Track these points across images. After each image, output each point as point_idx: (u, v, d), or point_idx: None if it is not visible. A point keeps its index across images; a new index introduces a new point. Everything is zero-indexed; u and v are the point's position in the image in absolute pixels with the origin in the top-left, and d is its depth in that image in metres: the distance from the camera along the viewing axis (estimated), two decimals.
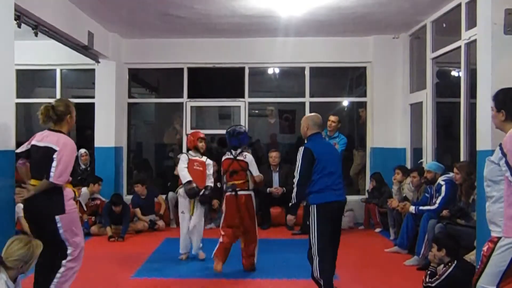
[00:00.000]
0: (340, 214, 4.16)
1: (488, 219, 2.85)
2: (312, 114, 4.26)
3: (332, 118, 6.85)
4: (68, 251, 3.56)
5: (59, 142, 3.54)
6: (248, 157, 4.98)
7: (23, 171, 3.79)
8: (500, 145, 2.73)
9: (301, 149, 3.94)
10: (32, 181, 3.58)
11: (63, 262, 3.55)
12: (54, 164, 3.45)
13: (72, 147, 3.61)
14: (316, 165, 3.86)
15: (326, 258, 3.85)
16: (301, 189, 3.90)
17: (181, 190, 5.37)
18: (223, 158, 5.10)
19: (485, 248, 2.84)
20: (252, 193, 4.99)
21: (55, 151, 3.49)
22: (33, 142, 3.67)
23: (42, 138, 3.64)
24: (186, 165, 5.29)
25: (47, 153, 3.51)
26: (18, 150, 3.76)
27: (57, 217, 3.47)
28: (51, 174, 3.44)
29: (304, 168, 3.86)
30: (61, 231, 3.49)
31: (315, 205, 3.85)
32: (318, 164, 3.86)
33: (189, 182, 5.18)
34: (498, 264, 2.74)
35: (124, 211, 6.79)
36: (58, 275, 3.52)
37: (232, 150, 5.01)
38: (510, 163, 2.63)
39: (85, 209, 6.99)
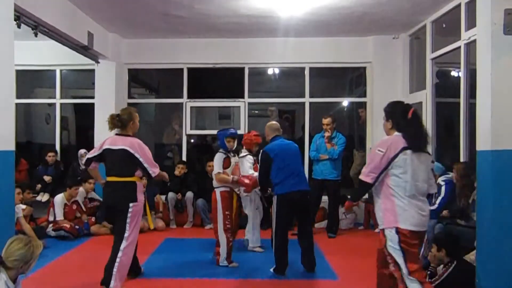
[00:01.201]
0: (304, 202, 4.89)
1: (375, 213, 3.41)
2: (271, 122, 5.27)
3: (325, 121, 6.86)
4: (125, 234, 4.15)
5: (132, 144, 4.24)
6: (215, 157, 5.31)
7: (94, 173, 4.61)
8: None
9: (261, 152, 4.93)
10: (108, 178, 4.30)
11: (121, 247, 4.13)
12: (145, 165, 4.23)
13: (142, 143, 4.33)
14: (273, 163, 4.73)
15: (281, 238, 4.82)
16: (261, 184, 5.01)
17: (257, 189, 5.72)
18: None
19: (380, 243, 3.33)
20: (216, 190, 5.23)
21: (130, 152, 4.20)
22: (106, 146, 4.33)
23: (115, 142, 4.31)
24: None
25: (124, 154, 4.21)
26: (90, 155, 4.43)
27: (131, 204, 4.17)
28: (150, 172, 4.27)
29: (262, 167, 4.83)
30: (129, 214, 4.16)
31: (276, 195, 4.78)
32: (275, 162, 4.73)
33: None
34: (395, 251, 3.20)
35: None
36: (118, 259, 4.11)
37: None
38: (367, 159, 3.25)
39: (84, 209, 7.00)
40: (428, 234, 5.04)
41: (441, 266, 4.10)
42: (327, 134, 6.84)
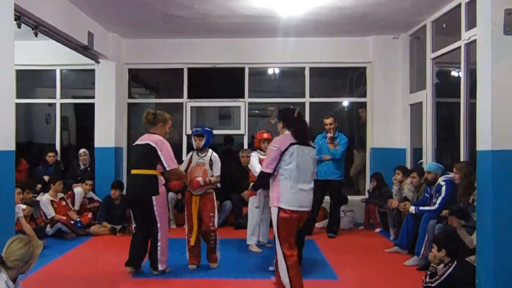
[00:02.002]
0: None
1: None
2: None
3: (327, 121, 6.82)
4: (158, 225, 4.68)
5: (156, 140, 4.66)
6: None
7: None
8: None
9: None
10: (133, 171, 4.79)
11: (158, 236, 4.70)
12: (162, 158, 4.61)
13: (165, 141, 4.72)
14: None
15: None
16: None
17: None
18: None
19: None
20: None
21: (153, 147, 4.62)
22: (136, 143, 4.85)
23: (143, 139, 4.78)
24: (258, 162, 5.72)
25: (146, 148, 4.65)
26: None
27: (153, 197, 4.62)
28: (165, 166, 4.62)
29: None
30: (155, 208, 4.63)
31: None
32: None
33: None
34: (274, 226, 3.94)
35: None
36: (158, 243, 4.70)
37: None
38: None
39: (73, 207, 7.01)
40: (429, 234, 5.05)
41: (441, 266, 4.09)
42: (329, 135, 6.81)
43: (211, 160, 5.12)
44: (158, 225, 4.69)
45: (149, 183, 4.65)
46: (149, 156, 4.64)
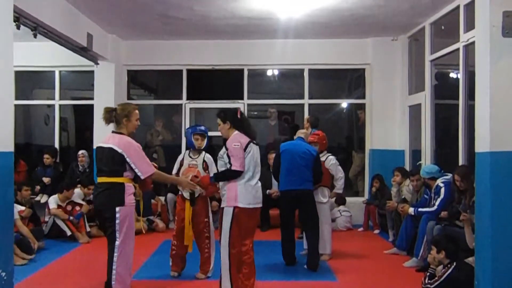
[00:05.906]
0: (300, 202, 5.09)
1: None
2: (301, 130, 5.65)
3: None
4: (117, 243, 3.79)
5: (120, 144, 3.84)
6: None
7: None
8: (225, 144, 4.00)
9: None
10: (98, 179, 3.96)
11: (115, 258, 3.79)
12: (132, 165, 3.81)
13: (134, 144, 3.91)
14: (281, 158, 5.12)
15: (283, 234, 5.15)
16: (274, 177, 5.48)
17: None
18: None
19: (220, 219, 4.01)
20: None
21: (118, 151, 3.80)
22: (99, 144, 4.02)
23: (107, 140, 3.94)
24: None
25: (112, 153, 3.82)
26: None
27: (117, 208, 3.78)
28: (139, 174, 3.83)
29: (274, 161, 5.27)
30: (117, 221, 3.77)
31: (279, 192, 5.19)
32: (282, 157, 5.12)
33: None
34: (225, 226, 3.90)
35: None
36: (113, 271, 3.80)
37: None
38: (229, 155, 3.88)
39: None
40: (427, 235, 5.05)
41: (440, 267, 4.10)
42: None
43: (204, 161, 4.70)
44: (117, 242, 3.79)
45: (116, 193, 3.81)
46: (115, 162, 3.83)
